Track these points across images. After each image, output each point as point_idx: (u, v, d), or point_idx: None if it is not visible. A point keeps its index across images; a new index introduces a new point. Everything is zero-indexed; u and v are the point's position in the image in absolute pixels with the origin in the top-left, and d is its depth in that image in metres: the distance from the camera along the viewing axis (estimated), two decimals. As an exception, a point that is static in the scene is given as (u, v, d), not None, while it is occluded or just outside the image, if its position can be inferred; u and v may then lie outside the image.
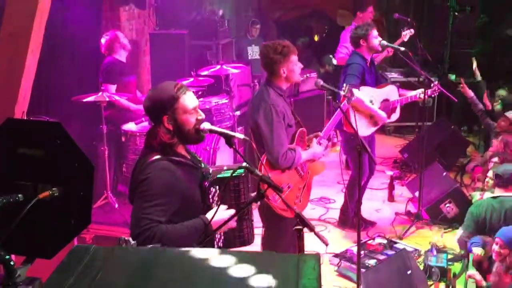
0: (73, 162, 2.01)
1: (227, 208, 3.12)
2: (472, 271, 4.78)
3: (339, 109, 4.47)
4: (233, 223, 3.07)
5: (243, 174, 3.15)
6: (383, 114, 5.74)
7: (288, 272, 1.73)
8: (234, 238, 3.23)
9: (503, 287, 4.44)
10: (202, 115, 3.13)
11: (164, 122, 3.01)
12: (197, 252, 1.94)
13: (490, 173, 5.90)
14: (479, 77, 7.98)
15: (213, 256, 1.91)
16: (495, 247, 4.58)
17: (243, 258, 1.86)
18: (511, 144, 6.38)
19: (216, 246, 3.18)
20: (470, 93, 7.37)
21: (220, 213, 3.02)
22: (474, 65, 7.85)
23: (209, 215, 3.00)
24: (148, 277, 1.80)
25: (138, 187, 2.93)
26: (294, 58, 4.28)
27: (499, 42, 9.59)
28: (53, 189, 2.04)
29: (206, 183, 3.11)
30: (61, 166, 2.00)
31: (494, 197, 5.25)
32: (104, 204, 6.06)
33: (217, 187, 3.16)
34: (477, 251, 4.84)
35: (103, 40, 6.45)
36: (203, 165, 3.23)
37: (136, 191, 2.95)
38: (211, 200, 3.13)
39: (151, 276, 1.80)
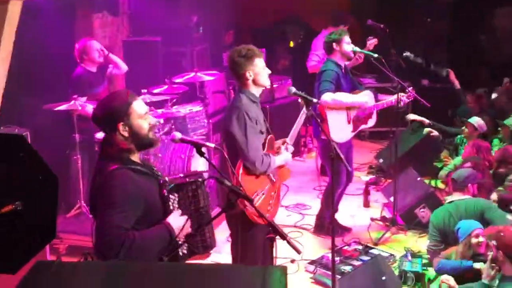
0: (36, 175, 1.98)
1: (187, 214, 3.15)
2: (446, 275, 4.80)
3: (302, 113, 4.48)
4: (188, 229, 3.12)
5: (200, 180, 3.20)
6: (361, 99, 5.82)
7: (255, 285, 1.72)
8: (197, 244, 3.24)
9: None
10: (153, 120, 3.21)
11: (120, 129, 3.04)
12: (164, 266, 1.92)
13: None
14: (457, 86, 8.13)
15: (180, 270, 1.89)
16: (479, 240, 4.65)
17: (210, 272, 1.84)
18: (484, 148, 6.44)
19: (181, 253, 3.18)
20: (457, 84, 7.61)
21: (179, 219, 3.07)
22: (451, 75, 8.06)
23: (169, 221, 3.04)
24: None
25: (101, 198, 2.93)
26: (259, 61, 4.25)
27: (470, 49, 9.71)
28: (16, 202, 2.01)
29: (164, 191, 3.13)
30: (24, 179, 1.97)
31: (449, 202, 5.36)
32: (78, 214, 6.00)
33: (176, 194, 3.19)
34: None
35: (75, 48, 6.39)
36: (159, 174, 3.26)
37: (98, 201, 2.95)
38: (171, 207, 3.15)
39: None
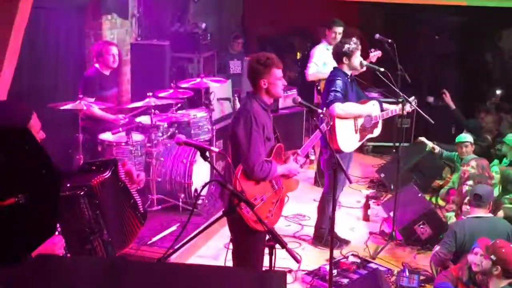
0: (40, 169, 1.99)
1: (65, 230, 2.79)
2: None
3: (318, 130, 4.49)
4: (59, 250, 2.71)
5: (81, 193, 2.87)
6: (368, 108, 5.88)
7: (252, 288, 1.72)
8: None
9: None
10: (42, 135, 3.04)
11: None
12: (163, 266, 1.92)
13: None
14: (453, 106, 8.17)
15: (179, 271, 1.89)
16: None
17: (208, 273, 1.85)
18: (487, 167, 6.41)
19: None
20: (453, 105, 7.65)
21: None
22: (447, 97, 8.11)
23: None
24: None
25: None
26: (277, 71, 4.28)
27: (476, 66, 9.76)
28: (19, 195, 2.02)
29: None
30: (28, 173, 1.98)
31: (475, 217, 5.27)
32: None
33: None
34: None
35: (94, 47, 6.42)
36: None
37: None
38: None
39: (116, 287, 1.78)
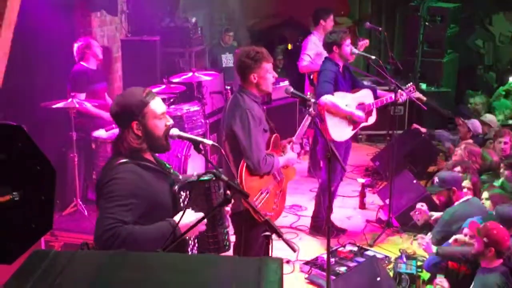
0: (34, 165, 1.98)
1: (198, 212, 3.06)
2: (440, 278, 4.82)
3: (307, 115, 4.48)
4: (202, 227, 2.99)
5: (213, 178, 3.06)
6: (359, 113, 5.83)
7: (250, 275, 1.73)
8: (209, 245, 3.14)
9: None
10: (170, 121, 3.13)
11: (133, 128, 3.00)
12: (161, 256, 1.93)
13: None
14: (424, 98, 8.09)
15: (176, 260, 1.89)
16: (465, 238, 4.76)
17: (205, 262, 1.85)
18: (476, 152, 6.42)
19: (190, 253, 3.13)
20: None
21: (188, 216, 2.95)
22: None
23: (176, 218, 2.94)
24: (110, 281, 1.78)
25: (104, 189, 2.91)
26: (267, 66, 4.23)
27: (468, 52, 9.78)
28: (14, 193, 2.01)
29: (174, 188, 3.06)
30: (22, 169, 1.97)
31: (464, 201, 5.36)
32: (73, 212, 5.98)
33: (187, 191, 3.09)
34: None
35: (76, 45, 6.41)
36: (172, 172, 3.21)
37: (101, 192, 2.92)
38: (182, 204, 3.06)
39: (113, 280, 1.78)
